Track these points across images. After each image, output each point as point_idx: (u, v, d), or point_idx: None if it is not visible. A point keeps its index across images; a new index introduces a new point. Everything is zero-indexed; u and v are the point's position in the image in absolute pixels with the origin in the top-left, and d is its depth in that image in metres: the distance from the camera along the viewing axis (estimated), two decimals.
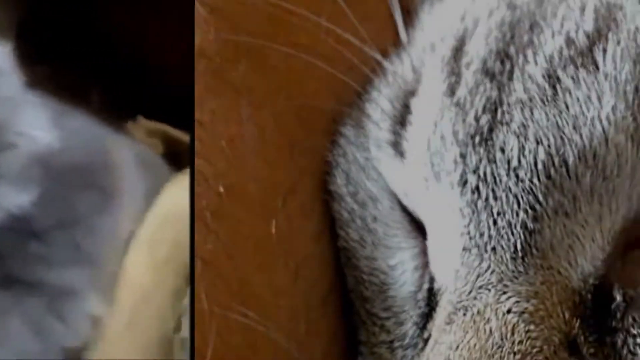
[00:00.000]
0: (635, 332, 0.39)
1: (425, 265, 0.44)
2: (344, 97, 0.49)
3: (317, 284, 0.46)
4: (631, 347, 0.38)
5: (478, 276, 0.40)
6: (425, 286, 0.44)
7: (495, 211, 0.40)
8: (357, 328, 0.47)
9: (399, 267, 0.46)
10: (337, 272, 0.48)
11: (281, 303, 0.44)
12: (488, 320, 0.38)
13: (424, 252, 0.44)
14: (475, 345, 0.38)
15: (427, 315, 0.43)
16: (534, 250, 0.39)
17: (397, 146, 0.45)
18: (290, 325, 0.44)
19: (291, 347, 0.43)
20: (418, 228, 0.45)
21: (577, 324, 0.39)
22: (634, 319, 0.39)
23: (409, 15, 0.51)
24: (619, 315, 0.39)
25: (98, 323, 0.52)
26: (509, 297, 0.39)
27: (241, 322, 0.41)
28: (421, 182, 0.43)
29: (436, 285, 0.42)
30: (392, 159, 0.45)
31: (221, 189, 0.43)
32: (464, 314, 0.39)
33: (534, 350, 0.37)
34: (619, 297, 0.39)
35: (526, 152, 0.40)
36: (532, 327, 0.38)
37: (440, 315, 0.41)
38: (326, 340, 0.46)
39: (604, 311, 0.39)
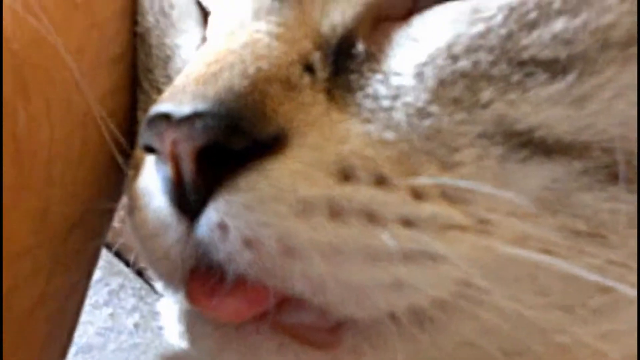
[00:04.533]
0: (370, 81, 0.42)
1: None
2: None
3: (110, 45, 0.52)
4: (364, 88, 0.42)
5: (237, 15, 0.44)
6: None
7: None
8: (138, 99, 0.53)
9: (184, 47, 0.51)
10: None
11: (74, 20, 0.49)
12: (239, 37, 0.43)
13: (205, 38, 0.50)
14: (219, 48, 0.42)
15: None
16: None
17: None
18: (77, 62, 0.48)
19: (76, 76, 0.47)
20: (206, 17, 0.50)
21: (318, 56, 0.43)
22: (371, 69, 0.42)
23: None
24: (358, 60, 0.42)
25: None
26: (260, 22, 0.43)
27: (34, 27, 0.46)
28: None
29: None
30: None
31: None
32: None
33: (271, 58, 0.42)
34: (360, 48, 0.43)
35: None
36: (274, 43, 0.42)
37: None
38: (111, 91, 0.51)
39: (345, 55, 0.43)
